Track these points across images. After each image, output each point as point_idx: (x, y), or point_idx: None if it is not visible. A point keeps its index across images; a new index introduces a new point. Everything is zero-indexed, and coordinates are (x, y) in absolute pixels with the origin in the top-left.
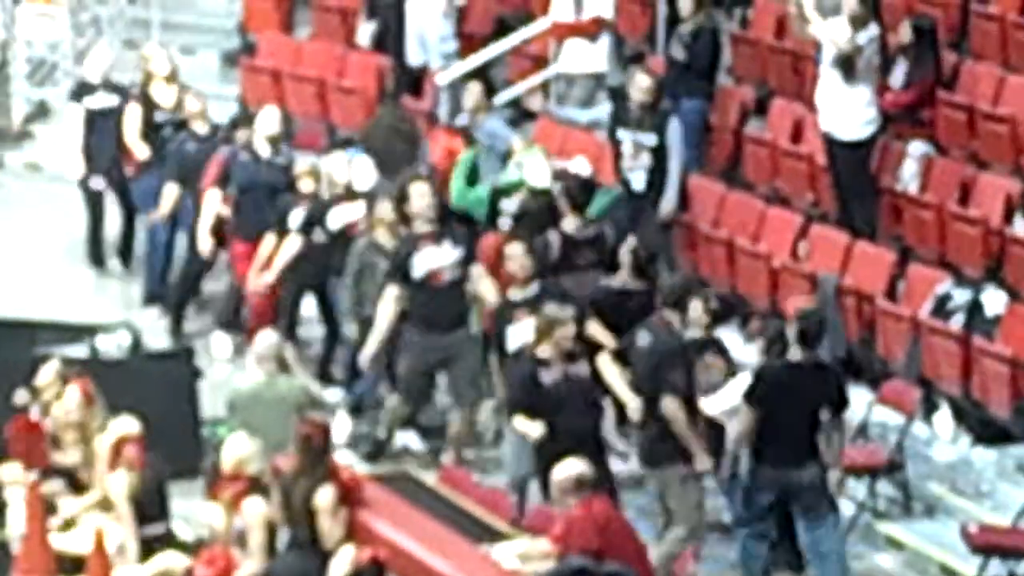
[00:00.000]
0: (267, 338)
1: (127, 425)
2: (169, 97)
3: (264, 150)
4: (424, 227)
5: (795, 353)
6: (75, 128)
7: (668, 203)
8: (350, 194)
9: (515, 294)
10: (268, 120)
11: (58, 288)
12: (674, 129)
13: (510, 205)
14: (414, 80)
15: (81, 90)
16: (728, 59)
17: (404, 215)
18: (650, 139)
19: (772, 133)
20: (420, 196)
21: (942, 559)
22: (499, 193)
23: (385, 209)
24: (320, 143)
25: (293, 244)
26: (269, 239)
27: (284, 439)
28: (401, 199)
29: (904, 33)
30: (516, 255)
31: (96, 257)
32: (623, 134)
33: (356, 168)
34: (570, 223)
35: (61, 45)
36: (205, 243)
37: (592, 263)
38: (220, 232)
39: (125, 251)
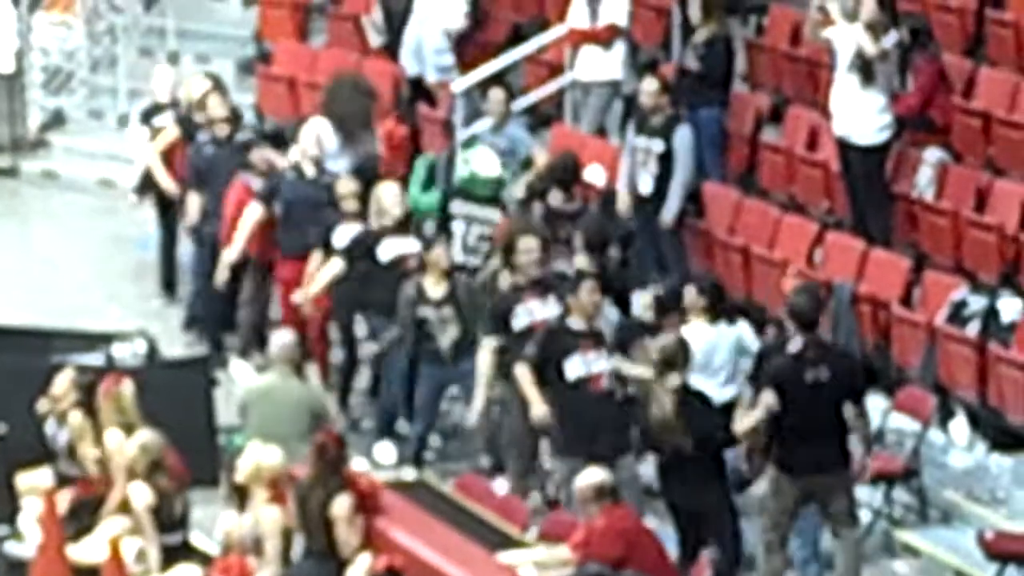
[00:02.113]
0: (282, 338)
1: (156, 438)
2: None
3: (308, 168)
4: (527, 280)
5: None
6: (141, 151)
7: (669, 212)
8: (402, 226)
9: (576, 323)
10: (310, 138)
11: (74, 296)
12: (682, 137)
13: (459, 208)
14: (428, 89)
15: (151, 112)
16: (743, 66)
17: (510, 265)
18: (658, 145)
19: (787, 140)
20: (527, 252)
21: (958, 566)
22: (450, 195)
23: (440, 254)
24: None
25: (335, 266)
26: (316, 256)
27: (292, 438)
28: (508, 250)
29: (903, 36)
30: (589, 288)
31: (168, 283)
32: (638, 140)
33: (319, 133)
34: (555, 197)
35: (77, 54)
36: (233, 252)
37: (572, 237)
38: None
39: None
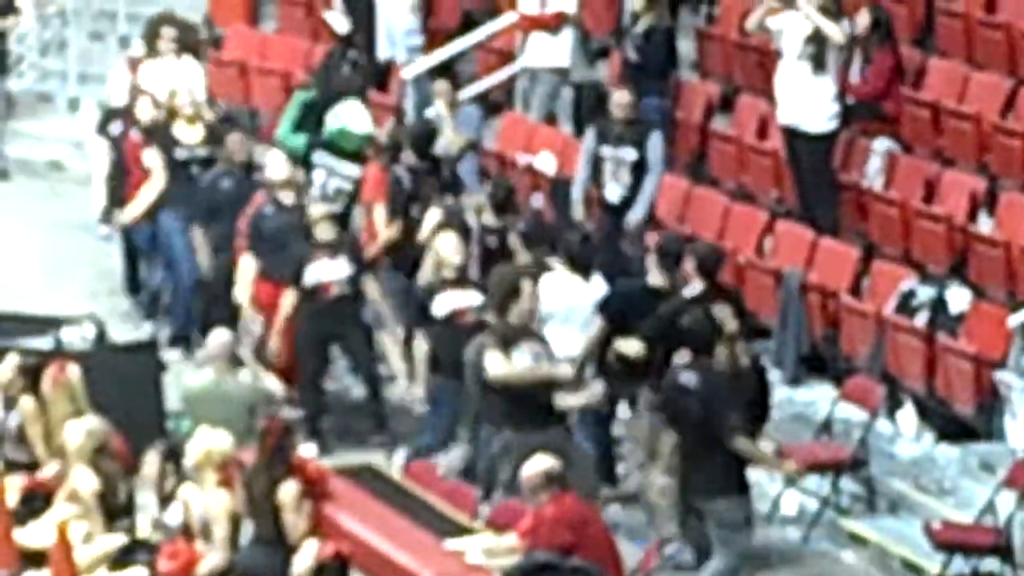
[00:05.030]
0: (217, 337)
1: (101, 424)
2: (193, 134)
3: (286, 197)
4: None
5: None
6: (100, 162)
7: (636, 214)
8: (462, 280)
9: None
10: (276, 166)
11: (22, 279)
12: (655, 144)
13: (321, 158)
14: (380, 74)
15: (107, 119)
16: (694, 55)
17: (504, 309)
18: (631, 154)
19: (738, 129)
20: (531, 297)
21: (905, 555)
22: (315, 146)
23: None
24: None
25: (290, 298)
26: (289, 294)
27: (235, 437)
28: (513, 293)
29: (862, 23)
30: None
31: (134, 287)
32: (605, 151)
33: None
34: (409, 157)
35: (26, 36)
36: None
37: (437, 189)
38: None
39: (133, 287)
